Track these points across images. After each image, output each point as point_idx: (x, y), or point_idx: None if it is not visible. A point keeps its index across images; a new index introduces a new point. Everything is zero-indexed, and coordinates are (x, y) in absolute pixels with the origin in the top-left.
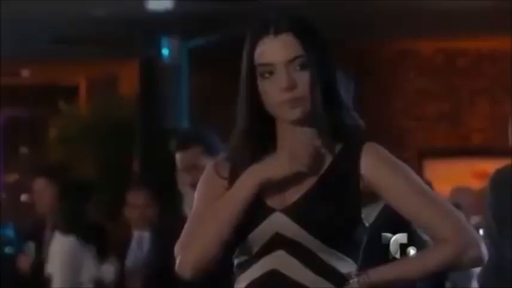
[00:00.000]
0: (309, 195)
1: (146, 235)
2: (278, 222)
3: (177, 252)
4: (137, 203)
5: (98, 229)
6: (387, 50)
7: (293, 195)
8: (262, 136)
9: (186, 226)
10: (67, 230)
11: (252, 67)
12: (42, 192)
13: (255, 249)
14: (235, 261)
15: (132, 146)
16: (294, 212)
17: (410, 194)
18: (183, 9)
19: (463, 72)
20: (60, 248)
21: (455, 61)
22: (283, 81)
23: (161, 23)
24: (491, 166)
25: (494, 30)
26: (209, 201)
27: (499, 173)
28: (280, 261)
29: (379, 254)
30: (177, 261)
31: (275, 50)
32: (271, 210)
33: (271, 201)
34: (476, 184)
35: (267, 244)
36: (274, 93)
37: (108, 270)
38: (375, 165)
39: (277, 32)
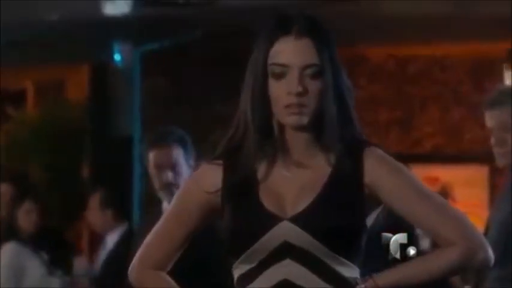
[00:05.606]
0: (316, 203)
1: (107, 238)
2: (286, 231)
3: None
4: (98, 205)
5: (54, 236)
6: (339, 56)
7: (299, 203)
8: (265, 135)
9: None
10: (7, 236)
11: (265, 65)
12: (5, 198)
13: (260, 258)
14: (236, 272)
15: (82, 150)
16: (302, 220)
17: (414, 197)
18: (135, 14)
19: (415, 78)
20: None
21: (406, 67)
22: (295, 85)
23: (113, 27)
24: (442, 172)
25: (446, 36)
26: (178, 211)
27: None
28: (290, 270)
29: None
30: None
31: (293, 52)
32: (279, 219)
33: (277, 210)
34: None
35: (273, 253)
36: (282, 95)
37: (55, 284)
38: (377, 170)
39: (298, 34)
